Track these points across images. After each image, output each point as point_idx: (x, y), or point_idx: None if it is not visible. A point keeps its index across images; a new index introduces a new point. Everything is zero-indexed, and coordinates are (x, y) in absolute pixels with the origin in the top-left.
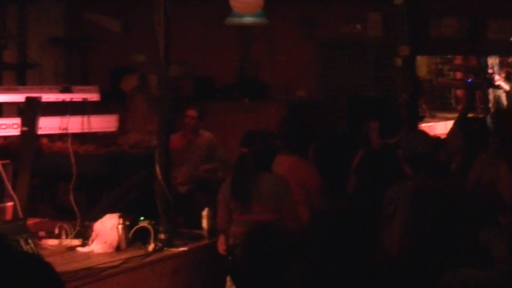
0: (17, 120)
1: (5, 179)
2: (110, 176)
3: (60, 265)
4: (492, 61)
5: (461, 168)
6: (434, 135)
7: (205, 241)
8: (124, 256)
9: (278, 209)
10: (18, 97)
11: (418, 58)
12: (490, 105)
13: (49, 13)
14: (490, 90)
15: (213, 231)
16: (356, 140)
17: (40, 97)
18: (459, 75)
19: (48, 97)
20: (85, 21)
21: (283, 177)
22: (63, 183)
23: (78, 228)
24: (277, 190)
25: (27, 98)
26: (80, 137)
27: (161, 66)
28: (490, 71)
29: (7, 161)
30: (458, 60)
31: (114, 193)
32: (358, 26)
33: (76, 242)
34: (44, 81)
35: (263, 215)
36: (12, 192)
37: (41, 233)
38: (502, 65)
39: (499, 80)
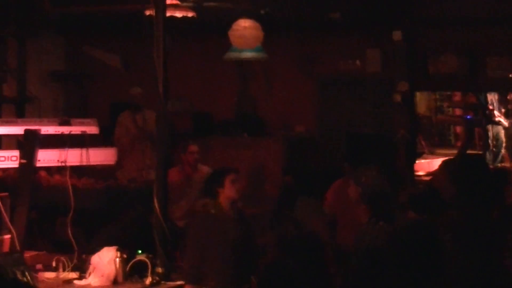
0: (16, 153)
1: (3, 212)
2: (108, 210)
3: None
4: (492, 97)
5: None
6: None
7: None
8: None
9: None
10: (17, 130)
11: (418, 94)
12: (490, 141)
13: (48, 48)
14: (489, 127)
15: None
16: None
17: (39, 130)
18: (458, 111)
19: (47, 129)
20: (84, 55)
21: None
22: (61, 217)
23: (75, 261)
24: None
25: (25, 130)
26: (79, 171)
27: (160, 101)
28: (490, 107)
29: (5, 194)
30: (457, 97)
31: (111, 228)
32: (357, 62)
33: (74, 275)
34: (43, 115)
35: None
36: (9, 225)
37: (38, 266)
38: (501, 101)
39: (499, 117)
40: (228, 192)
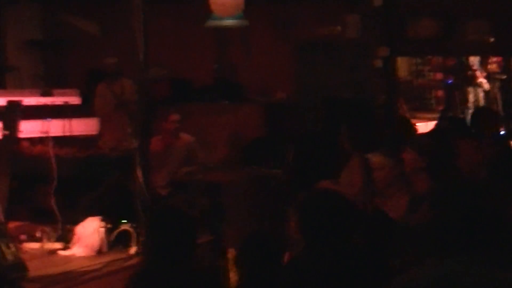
0: None
1: None
2: (89, 179)
3: (41, 269)
4: (473, 59)
5: None
6: None
7: None
8: (105, 259)
9: None
10: None
11: (398, 59)
12: (469, 104)
13: (25, 16)
14: (471, 89)
15: None
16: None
17: (21, 101)
18: (439, 75)
19: (29, 100)
20: (62, 23)
21: None
22: (43, 186)
23: (59, 231)
24: None
25: (8, 102)
26: (60, 140)
27: (141, 70)
28: (473, 68)
29: None
30: (437, 61)
31: (93, 196)
32: (338, 27)
33: (58, 245)
34: (22, 84)
35: None
36: None
37: (22, 237)
38: (482, 63)
39: (480, 77)
40: None
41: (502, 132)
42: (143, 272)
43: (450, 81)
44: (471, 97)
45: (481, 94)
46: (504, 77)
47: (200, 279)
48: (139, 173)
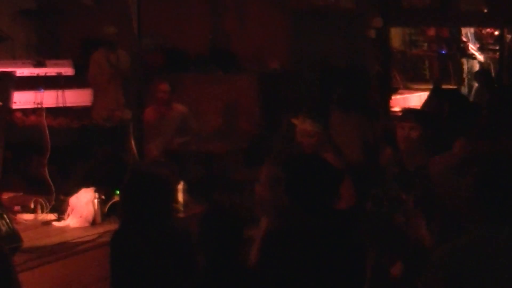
0: None
1: None
2: (83, 149)
3: (35, 240)
4: (466, 30)
5: None
6: None
7: (180, 215)
8: (99, 230)
9: None
10: None
11: (392, 29)
12: (464, 75)
13: None
14: (464, 60)
15: (188, 204)
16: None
17: (14, 72)
18: (432, 46)
19: (22, 71)
20: None
21: None
22: (36, 156)
23: (53, 202)
24: None
25: (1, 72)
26: (54, 110)
27: (134, 39)
28: (464, 39)
29: None
30: (431, 31)
31: (87, 167)
32: None
33: (52, 216)
34: (15, 54)
35: None
36: None
37: (16, 208)
38: (476, 35)
39: (472, 50)
40: None
41: None
42: (119, 232)
43: (443, 51)
44: (466, 68)
45: (477, 65)
46: (497, 48)
47: (172, 240)
48: (132, 143)
